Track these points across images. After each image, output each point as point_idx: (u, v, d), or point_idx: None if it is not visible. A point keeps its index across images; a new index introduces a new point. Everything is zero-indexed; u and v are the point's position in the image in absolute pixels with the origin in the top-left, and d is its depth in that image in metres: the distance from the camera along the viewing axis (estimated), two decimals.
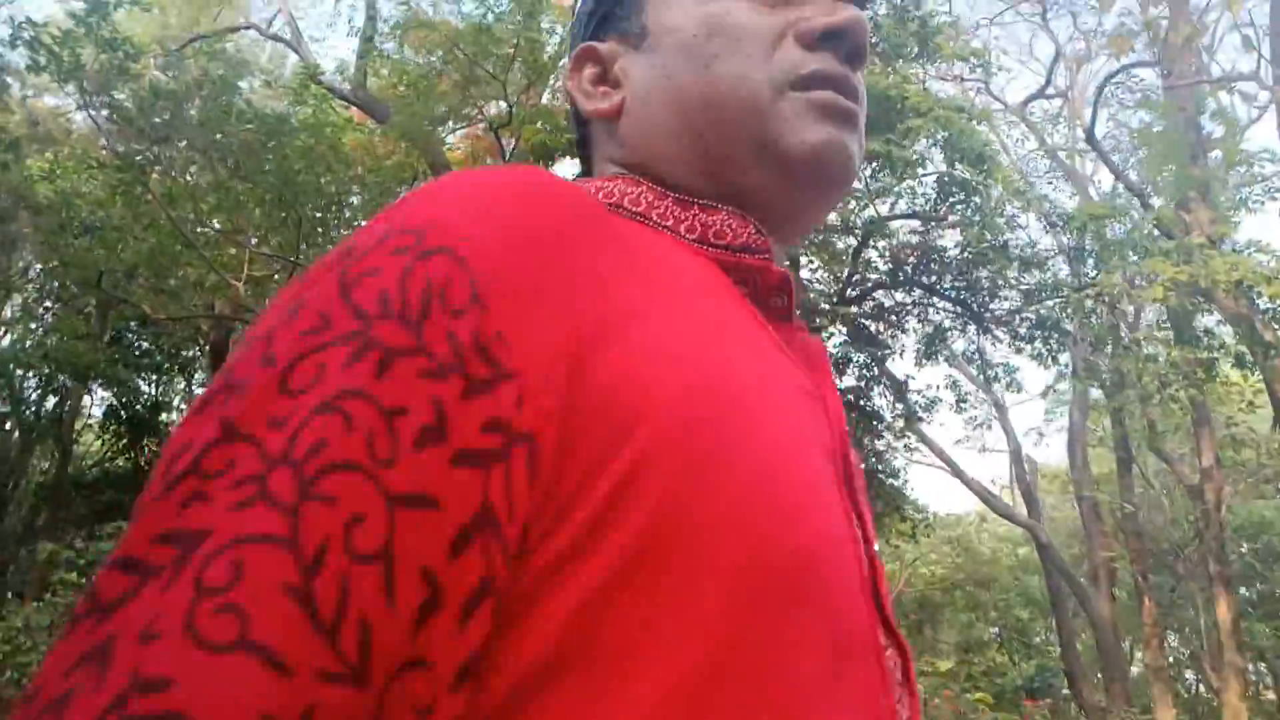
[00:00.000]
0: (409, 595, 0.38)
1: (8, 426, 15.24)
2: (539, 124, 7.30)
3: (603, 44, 0.68)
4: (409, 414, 0.39)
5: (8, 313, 14.10)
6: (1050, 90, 14.10)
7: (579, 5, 0.73)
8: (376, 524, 0.38)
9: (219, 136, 7.88)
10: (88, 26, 8.09)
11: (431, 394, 0.40)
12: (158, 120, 8.27)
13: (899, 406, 8.82)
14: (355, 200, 9.50)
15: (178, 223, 8.23)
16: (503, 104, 9.06)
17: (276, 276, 8.58)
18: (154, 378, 14.81)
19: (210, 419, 0.40)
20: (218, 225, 8.68)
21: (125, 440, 15.43)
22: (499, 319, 0.42)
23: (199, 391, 15.07)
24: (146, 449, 15.77)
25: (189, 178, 8.77)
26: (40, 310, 11.86)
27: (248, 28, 10.07)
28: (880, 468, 16.12)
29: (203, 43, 9.25)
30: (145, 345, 14.09)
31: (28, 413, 15.03)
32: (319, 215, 8.47)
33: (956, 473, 18.05)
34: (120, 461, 16.01)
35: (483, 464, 0.40)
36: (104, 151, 8.45)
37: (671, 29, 0.63)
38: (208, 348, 11.66)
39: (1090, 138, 8.21)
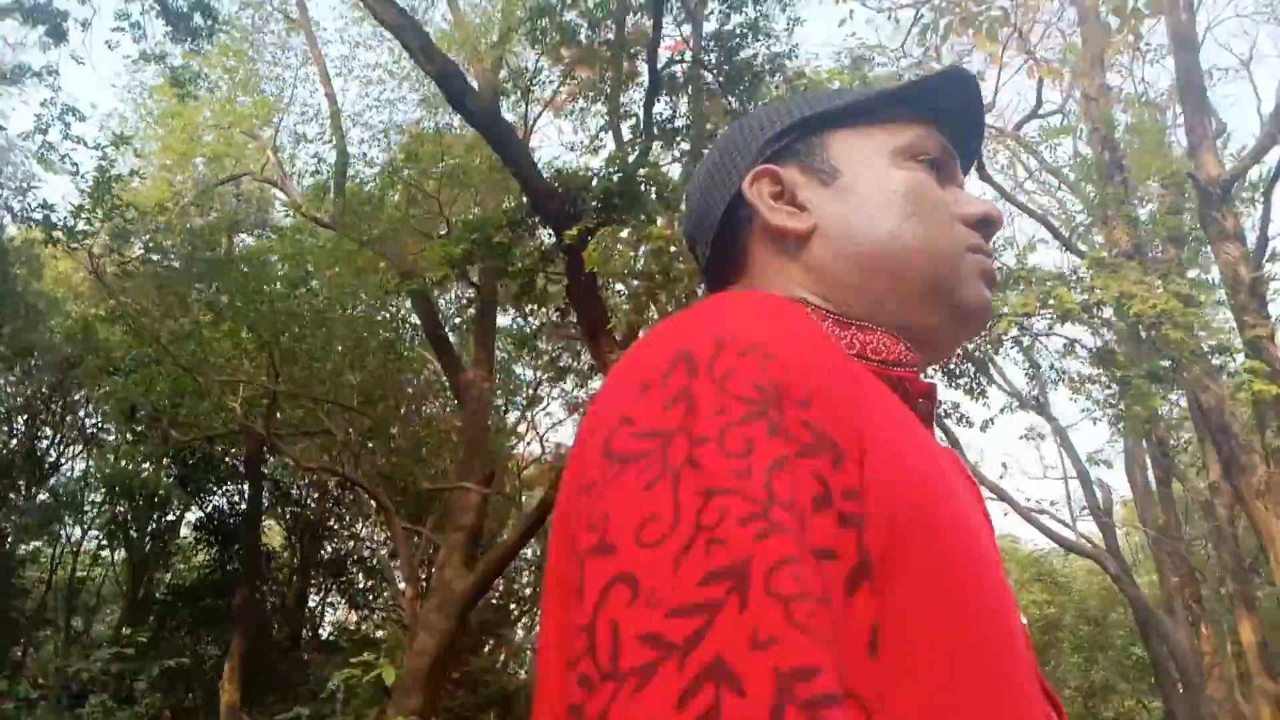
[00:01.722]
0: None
1: (121, 550, 16.94)
2: (459, 237, 8.12)
3: (782, 168, 0.76)
4: (807, 483, 0.49)
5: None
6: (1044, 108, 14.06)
7: (747, 125, 0.81)
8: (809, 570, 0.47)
9: (199, 284, 9.11)
10: (95, 199, 9.51)
11: (812, 468, 0.50)
12: (159, 272, 9.58)
13: None
14: (339, 315, 10.54)
15: (181, 360, 9.40)
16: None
17: (265, 400, 9.65)
18: (229, 489, 16.28)
19: (690, 486, 0.48)
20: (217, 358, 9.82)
21: (216, 549, 16.82)
22: (823, 414, 0.52)
23: (265, 500, 16.32)
24: (235, 556, 17.03)
25: (193, 318, 9.98)
26: (106, 440, 13.37)
27: (244, 175, 11.49)
28: None
29: (202, 192, 10.65)
30: (225, 463, 15.51)
31: (145, 531, 16.66)
32: (296, 344, 9.50)
33: (1011, 503, 17.50)
34: (218, 570, 17.34)
35: (855, 524, 0.50)
36: (115, 301, 9.75)
37: (870, 180, 0.74)
38: (245, 460, 12.90)
39: (981, 172, 8.36)
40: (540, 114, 11.00)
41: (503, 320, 11.86)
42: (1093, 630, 21.80)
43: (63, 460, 16.04)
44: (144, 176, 9.93)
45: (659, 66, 8.11)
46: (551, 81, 10.55)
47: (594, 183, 7.52)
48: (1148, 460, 14.64)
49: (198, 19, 8.92)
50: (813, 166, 0.75)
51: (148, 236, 10.15)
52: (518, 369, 14.94)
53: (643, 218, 7.55)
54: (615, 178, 7.68)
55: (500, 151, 7.49)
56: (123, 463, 13.04)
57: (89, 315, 10.13)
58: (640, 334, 9.47)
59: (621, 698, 0.43)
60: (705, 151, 0.83)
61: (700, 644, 0.43)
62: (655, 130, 8.53)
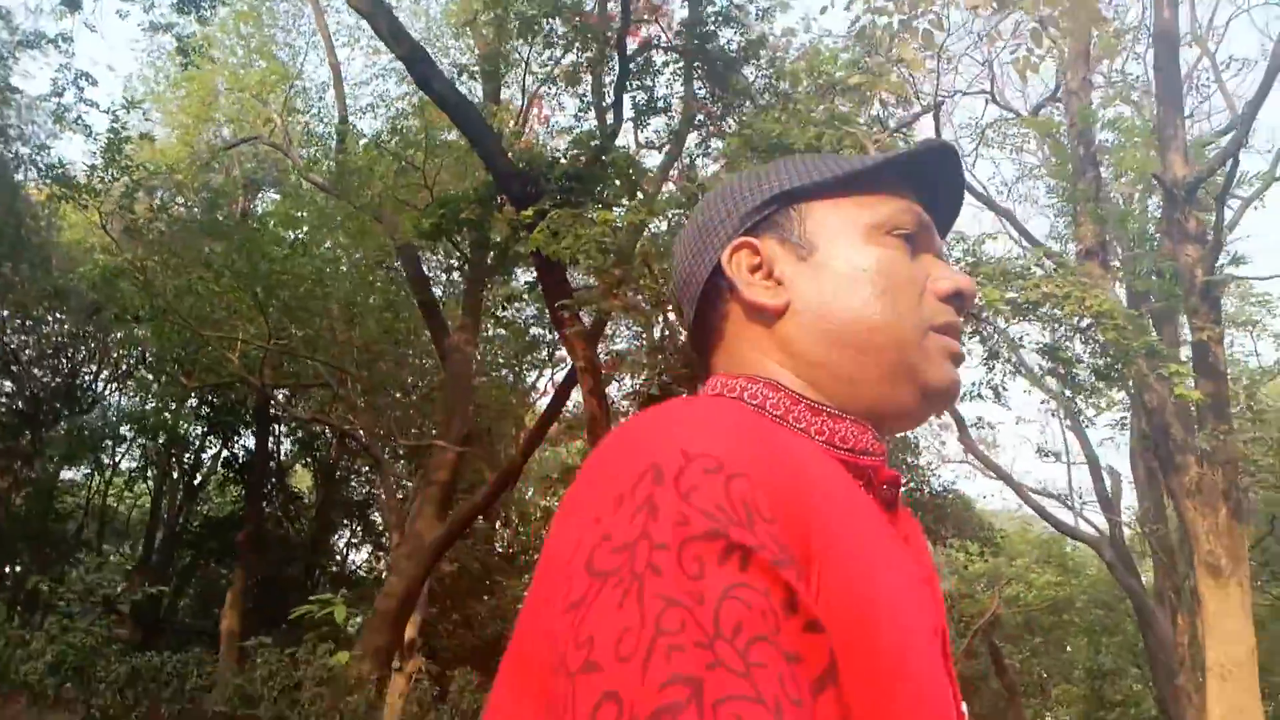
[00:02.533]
0: None
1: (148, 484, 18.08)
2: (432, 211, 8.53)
3: (761, 241, 0.78)
4: (771, 594, 0.52)
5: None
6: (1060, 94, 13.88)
7: (729, 194, 0.82)
8: (784, 675, 0.50)
9: (204, 242, 9.71)
10: (107, 160, 10.13)
11: (782, 579, 0.53)
12: (163, 230, 10.20)
13: None
14: (336, 274, 11.07)
15: (182, 313, 10.05)
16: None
17: (265, 353, 10.27)
18: (256, 431, 17.20)
19: (652, 590, 0.51)
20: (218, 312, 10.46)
21: (241, 485, 17.85)
22: (785, 530, 0.56)
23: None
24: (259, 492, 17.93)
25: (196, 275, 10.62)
26: (145, 378, 14.23)
27: (253, 139, 12.02)
28: (931, 487, 15.96)
29: (212, 155, 11.23)
30: (246, 407, 16.42)
31: (180, 467, 17.73)
32: (294, 301, 10.06)
33: (1014, 487, 17.59)
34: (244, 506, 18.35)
35: (820, 630, 0.54)
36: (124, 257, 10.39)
37: (843, 258, 0.76)
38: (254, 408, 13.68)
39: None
40: (538, 89, 11.31)
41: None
42: (1103, 614, 21.82)
43: (104, 395, 17.18)
44: (158, 139, 10.51)
45: (629, 52, 8.35)
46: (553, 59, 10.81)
47: (556, 165, 7.84)
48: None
49: None
50: (790, 240, 0.77)
51: (161, 194, 10.76)
52: (536, 330, 15.49)
53: (601, 201, 7.85)
54: (580, 159, 7.98)
55: (465, 131, 7.84)
56: (148, 404, 13.87)
57: (106, 266, 10.83)
58: (608, 319, 9.81)
59: None
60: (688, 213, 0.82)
61: None
62: (629, 112, 8.81)
